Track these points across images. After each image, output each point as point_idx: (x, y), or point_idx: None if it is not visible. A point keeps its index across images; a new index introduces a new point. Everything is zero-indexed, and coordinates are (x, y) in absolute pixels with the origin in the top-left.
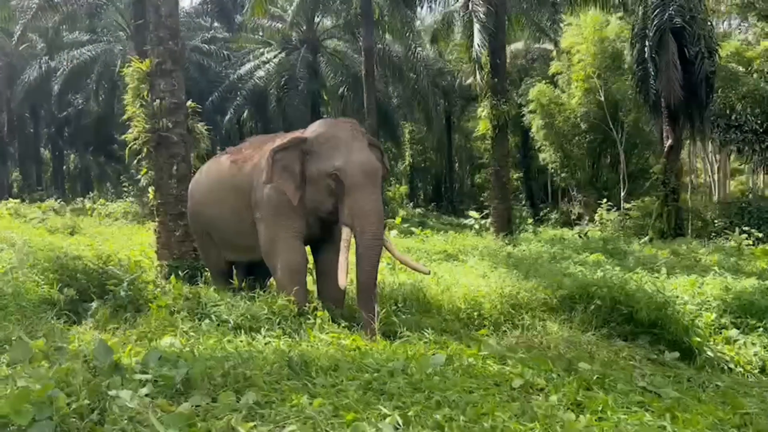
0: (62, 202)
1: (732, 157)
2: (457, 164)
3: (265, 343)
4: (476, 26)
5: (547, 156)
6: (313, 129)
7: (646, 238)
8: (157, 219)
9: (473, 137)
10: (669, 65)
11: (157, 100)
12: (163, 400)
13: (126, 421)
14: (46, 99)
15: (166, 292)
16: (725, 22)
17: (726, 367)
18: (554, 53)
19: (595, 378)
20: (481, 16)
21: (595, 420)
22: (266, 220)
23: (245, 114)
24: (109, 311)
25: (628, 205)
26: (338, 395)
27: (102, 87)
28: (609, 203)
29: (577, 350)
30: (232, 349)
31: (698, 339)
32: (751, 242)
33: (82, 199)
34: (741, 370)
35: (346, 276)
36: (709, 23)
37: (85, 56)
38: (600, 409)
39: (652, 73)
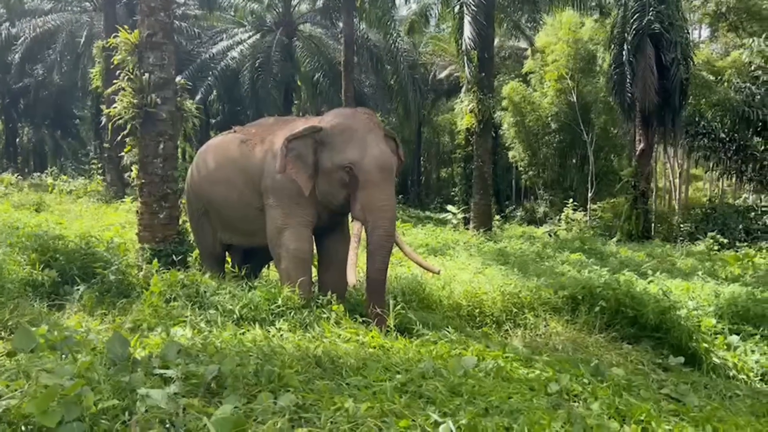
0: (20, 177)
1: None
2: (423, 158)
3: (280, 335)
4: (467, 18)
5: (516, 154)
6: (329, 119)
7: (615, 239)
8: (139, 200)
9: (454, 132)
10: (646, 70)
11: (146, 74)
12: (195, 400)
13: (159, 424)
14: (4, 68)
15: (156, 278)
16: (695, 32)
17: (729, 374)
18: (528, 52)
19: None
20: (473, 8)
21: (641, 431)
22: (277, 208)
23: (213, 95)
24: (95, 296)
25: (594, 206)
26: (376, 398)
27: (65, 59)
28: (575, 203)
29: (584, 352)
30: (250, 344)
31: (705, 345)
32: (716, 247)
33: (39, 174)
34: (744, 377)
35: (353, 271)
36: (685, 31)
37: (49, 25)
38: (642, 419)
39: (629, 77)
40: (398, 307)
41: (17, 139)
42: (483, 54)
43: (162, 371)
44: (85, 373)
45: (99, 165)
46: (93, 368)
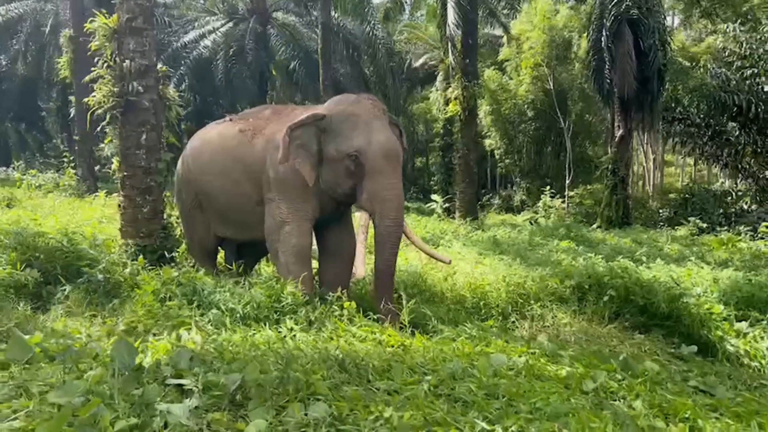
0: None
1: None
2: None
3: (292, 336)
4: (450, 3)
5: (492, 142)
6: (332, 106)
7: (595, 226)
8: (121, 193)
9: (429, 121)
10: (625, 56)
11: (126, 61)
12: (219, 414)
13: None
14: None
15: (145, 276)
16: (667, 18)
17: (743, 362)
18: (504, 39)
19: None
20: None
21: (688, 430)
22: (279, 201)
23: (184, 85)
24: (81, 296)
25: (571, 193)
26: (411, 403)
27: (30, 49)
28: (552, 190)
29: (597, 344)
30: (264, 346)
31: (720, 333)
32: (695, 232)
33: (5, 169)
34: (756, 365)
35: (361, 263)
36: (662, 16)
37: (12, 14)
38: (687, 416)
39: (607, 63)
40: (412, 302)
41: None
42: (467, 40)
43: (177, 381)
44: (95, 388)
45: (71, 158)
46: (103, 382)
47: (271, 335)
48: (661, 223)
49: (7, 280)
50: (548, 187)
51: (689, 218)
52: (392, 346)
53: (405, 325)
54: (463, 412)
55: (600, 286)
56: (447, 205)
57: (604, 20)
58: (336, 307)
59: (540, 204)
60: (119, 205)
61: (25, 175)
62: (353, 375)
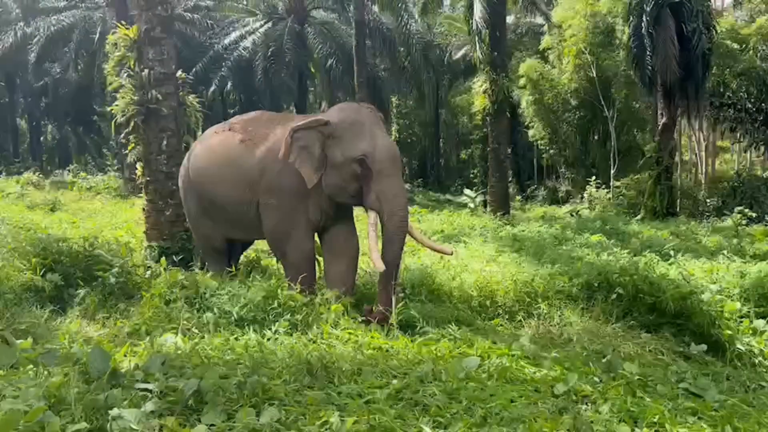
0: (41, 175)
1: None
2: (442, 140)
3: (275, 339)
4: None
5: (536, 133)
6: (335, 114)
7: (639, 217)
8: (145, 197)
9: (472, 113)
10: (666, 41)
11: (146, 70)
12: (172, 419)
13: None
14: (22, 67)
15: (159, 279)
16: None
17: (756, 361)
18: (546, 27)
19: (637, 380)
20: None
21: None
22: (281, 209)
23: (228, 85)
24: (98, 299)
25: (617, 183)
26: (368, 407)
27: (81, 56)
28: (597, 181)
29: (601, 343)
30: (241, 350)
31: (729, 332)
32: (744, 222)
33: (61, 171)
34: None
35: (378, 256)
36: None
37: (63, 23)
38: (656, 420)
39: (649, 50)
40: (402, 303)
41: (41, 138)
42: (495, 33)
43: (143, 386)
44: (57, 393)
45: (114, 161)
46: (67, 386)
47: (252, 339)
48: (707, 214)
49: (26, 284)
50: (594, 178)
51: (737, 208)
52: (373, 349)
53: (393, 326)
54: (416, 416)
55: (609, 284)
56: (483, 198)
57: (645, 5)
58: (323, 311)
59: (585, 195)
60: (143, 209)
61: (76, 177)
62: (319, 378)
